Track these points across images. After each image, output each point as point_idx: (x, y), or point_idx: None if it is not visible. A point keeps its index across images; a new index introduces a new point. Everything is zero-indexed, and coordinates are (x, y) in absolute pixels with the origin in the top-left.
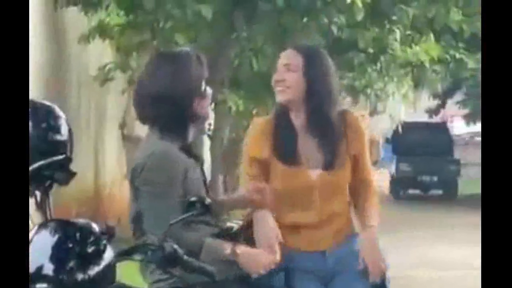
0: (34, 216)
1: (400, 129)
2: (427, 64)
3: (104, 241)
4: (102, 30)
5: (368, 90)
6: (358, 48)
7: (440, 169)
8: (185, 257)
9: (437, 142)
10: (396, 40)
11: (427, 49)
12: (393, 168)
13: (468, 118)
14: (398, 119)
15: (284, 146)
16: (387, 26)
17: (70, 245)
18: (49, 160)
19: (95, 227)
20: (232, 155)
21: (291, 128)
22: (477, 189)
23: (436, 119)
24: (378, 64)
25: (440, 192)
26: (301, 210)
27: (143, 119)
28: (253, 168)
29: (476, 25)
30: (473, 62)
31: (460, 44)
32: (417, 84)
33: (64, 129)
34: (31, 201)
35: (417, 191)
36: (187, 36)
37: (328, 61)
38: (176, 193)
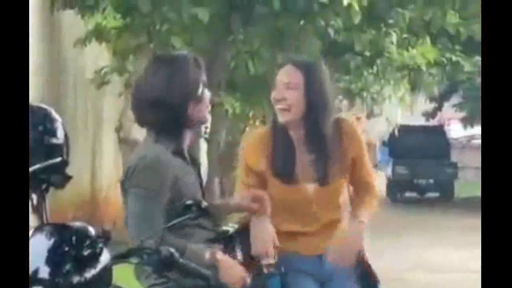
0: (31, 219)
1: (396, 132)
2: (423, 67)
3: (100, 244)
4: (98, 33)
5: (365, 93)
6: (355, 51)
7: (436, 172)
8: (181, 260)
9: (434, 145)
10: (392, 43)
11: (423, 52)
12: (389, 171)
13: (465, 121)
14: (395, 122)
15: (282, 164)
16: (384, 29)
17: (66, 249)
18: (45, 163)
19: (91, 230)
20: (229, 158)
21: (290, 145)
22: (474, 192)
23: (433, 122)
24: (375, 67)
25: (436, 195)
26: (298, 220)
27: (140, 122)
28: (249, 178)
29: (472, 28)
30: (470, 65)
31: (457, 47)
32: (414, 87)
33: (60, 133)
34: None
35: (413, 194)
36: (183, 39)
37: (326, 74)
38: (164, 198)
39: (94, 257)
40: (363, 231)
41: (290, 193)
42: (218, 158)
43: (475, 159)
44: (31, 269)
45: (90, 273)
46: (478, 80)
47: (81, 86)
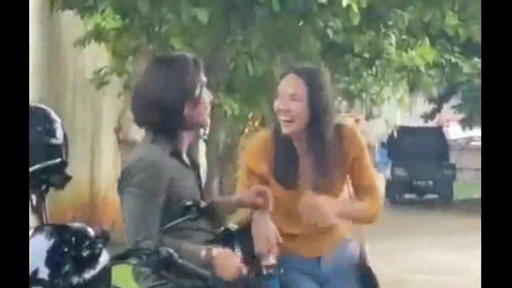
0: (30, 220)
1: (395, 134)
2: (422, 69)
3: (100, 245)
4: (98, 34)
5: (364, 95)
6: (354, 52)
7: (435, 174)
8: (180, 261)
9: (432, 147)
10: (391, 44)
11: (422, 53)
12: (388, 173)
13: (464, 123)
14: (394, 123)
15: (285, 171)
16: (383, 30)
17: (66, 249)
18: (44, 164)
19: (91, 231)
20: (228, 159)
21: (293, 153)
22: (472, 193)
23: (431, 123)
24: (374, 69)
25: (435, 196)
26: (298, 224)
27: (139, 122)
28: (251, 180)
29: (471, 29)
30: (469, 67)
31: (456, 48)
32: (413, 89)
33: (59, 133)
34: None
35: (412, 196)
36: (182, 40)
37: (327, 79)
38: (159, 198)
39: (94, 258)
40: (346, 206)
41: (291, 198)
42: (217, 159)
43: (473, 161)
44: (31, 269)
45: (89, 274)
46: (477, 81)
47: (80, 86)
